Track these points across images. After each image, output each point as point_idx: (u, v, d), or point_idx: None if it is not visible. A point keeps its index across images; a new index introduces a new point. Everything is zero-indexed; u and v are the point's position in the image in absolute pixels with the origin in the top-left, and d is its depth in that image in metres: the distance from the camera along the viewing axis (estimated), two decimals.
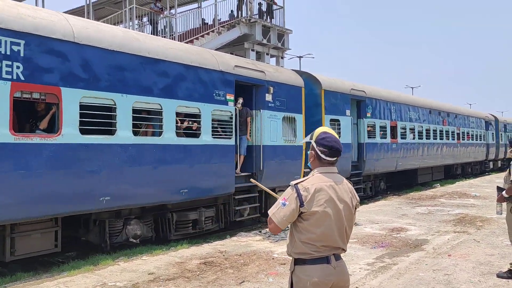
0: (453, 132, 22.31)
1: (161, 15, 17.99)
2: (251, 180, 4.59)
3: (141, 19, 18.87)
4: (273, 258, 6.97)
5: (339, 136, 9.96)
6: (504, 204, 6.29)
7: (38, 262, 7.17)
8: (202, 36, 17.60)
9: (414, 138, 17.67)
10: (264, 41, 19.43)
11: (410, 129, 17.51)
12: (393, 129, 16.32)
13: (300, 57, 38.58)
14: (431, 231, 9.19)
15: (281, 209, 2.78)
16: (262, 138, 10.18)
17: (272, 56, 20.48)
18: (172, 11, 20.51)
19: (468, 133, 24.48)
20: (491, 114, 30.33)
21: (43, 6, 16.26)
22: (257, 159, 10.16)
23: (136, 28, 17.75)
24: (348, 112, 13.57)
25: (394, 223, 10.07)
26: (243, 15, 19.29)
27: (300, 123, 11.35)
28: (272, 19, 20.28)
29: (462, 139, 23.50)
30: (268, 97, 10.38)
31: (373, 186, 15.78)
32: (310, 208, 2.73)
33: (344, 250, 2.89)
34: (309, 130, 10.32)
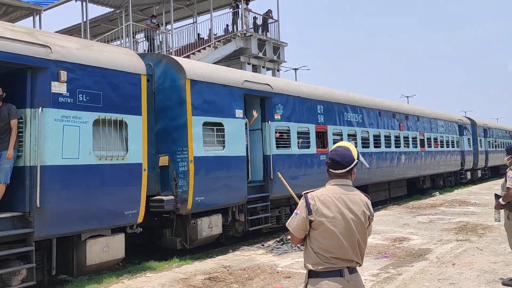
0: (414, 138, 18.31)
1: (158, 31, 18.11)
2: (278, 174, 4.52)
3: (134, 36, 18.99)
4: (277, 272, 6.95)
5: (223, 147, 8.99)
6: (502, 211, 6.34)
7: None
8: (199, 51, 17.73)
9: (356, 147, 15.25)
10: (260, 55, 19.61)
11: (350, 135, 13.61)
12: (322, 135, 12.42)
13: (295, 69, 38.85)
14: (434, 240, 9.20)
15: (294, 218, 2.91)
16: (41, 154, 6.06)
17: (268, 69, 20.65)
18: (168, 26, 20.67)
19: (436, 139, 20.53)
20: (467, 117, 26.99)
21: (40, 27, 16.34)
22: (32, 190, 5.99)
23: (133, 45, 17.85)
24: (239, 112, 9.54)
25: (396, 233, 10.07)
26: (239, 29, 19.47)
27: (137, 129, 7.38)
28: (268, 33, 20.48)
29: (428, 147, 19.51)
30: (58, 87, 6.34)
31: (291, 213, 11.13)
32: (318, 218, 2.81)
33: (359, 264, 2.87)
34: (163, 138, 8.57)
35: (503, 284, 6.00)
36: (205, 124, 8.76)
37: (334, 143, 12.27)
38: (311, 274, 2.83)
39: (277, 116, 10.71)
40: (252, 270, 7.12)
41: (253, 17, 20.18)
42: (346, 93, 14.61)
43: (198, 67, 9.24)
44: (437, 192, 19.46)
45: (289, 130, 11.10)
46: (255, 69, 19.61)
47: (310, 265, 2.83)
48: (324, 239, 2.79)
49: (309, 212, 2.82)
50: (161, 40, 18.41)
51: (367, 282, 6.32)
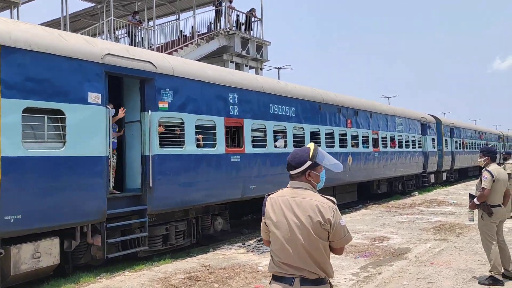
0: (366, 137, 16.00)
1: (139, 27, 17.89)
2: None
3: (114, 32, 18.72)
4: (258, 271, 6.93)
5: (64, 144, 6.48)
6: (476, 211, 6.46)
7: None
8: (181, 48, 17.58)
9: (286, 146, 11.49)
10: (243, 53, 19.55)
11: (277, 132, 11.41)
12: (236, 131, 10.17)
13: (278, 68, 38.91)
14: (413, 239, 9.30)
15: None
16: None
17: (251, 67, 20.60)
18: (150, 23, 20.44)
19: (393, 138, 18.22)
20: (431, 115, 24.22)
21: (18, 19, 15.97)
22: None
23: (113, 41, 17.58)
24: (95, 97, 7.03)
25: (376, 232, 10.16)
26: (222, 27, 19.38)
27: None
28: (251, 31, 20.44)
29: (384, 147, 17.16)
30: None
31: (187, 233, 8.99)
32: (267, 220, 2.77)
33: (317, 276, 2.63)
34: None
35: (479, 283, 6.10)
36: (28, 111, 6.18)
37: (255, 141, 10.56)
38: (272, 277, 2.78)
39: (162, 105, 8.17)
40: (232, 269, 7.09)
41: (236, 15, 20.11)
42: (276, 81, 12.59)
43: (20, 29, 6.39)
44: (417, 192, 19.74)
45: (183, 124, 8.59)
46: (238, 67, 19.55)
47: (269, 267, 2.82)
48: (273, 242, 2.75)
49: (263, 214, 2.80)
50: (143, 36, 18.19)
51: (347, 281, 6.35)
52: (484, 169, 6.39)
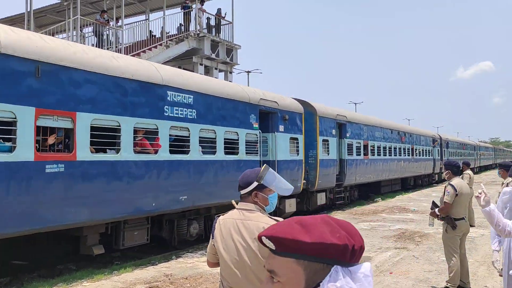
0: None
1: (107, 27, 17.53)
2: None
3: (82, 30, 18.29)
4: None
5: None
6: (436, 220, 6.67)
7: None
8: (150, 49, 17.36)
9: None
10: (213, 56, 19.48)
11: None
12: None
13: (248, 72, 38.93)
14: (374, 247, 9.49)
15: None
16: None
17: (220, 70, 20.55)
18: (119, 22, 20.07)
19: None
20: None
21: None
22: None
23: (80, 39, 17.18)
24: None
25: None
26: (192, 29, 19.24)
27: None
28: (219, 34, 20.36)
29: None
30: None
31: None
32: (215, 243, 2.69)
33: None
34: None
35: None
36: None
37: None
38: None
39: None
40: (194, 279, 7.03)
41: (207, 18, 20.01)
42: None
43: None
44: (380, 198, 20.15)
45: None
46: (207, 70, 19.47)
47: None
48: (221, 266, 2.68)
49: (212, 236, 2.74)
50: (111, 36, 17.83)
51: None
52: (448, 182, 6.58)
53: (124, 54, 15.74)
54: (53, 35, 15.72)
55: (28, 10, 18.23)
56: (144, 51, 16.95)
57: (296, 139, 13.37)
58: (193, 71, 16.89)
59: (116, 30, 18.25)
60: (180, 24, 19.98)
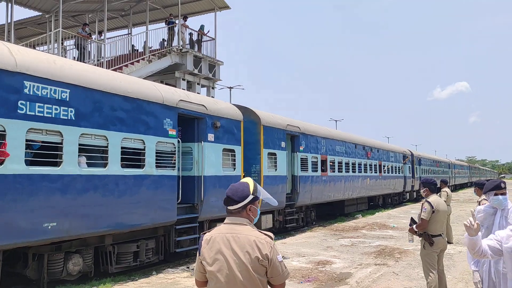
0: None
1: (89, 40, 17.45)
2: None
3: (62, 43, 18.15)
4: None
5: None
6: (415, 236, 6.78)
7: None
8: (132, 63, 17.32)
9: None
10: (195, 71, 19.55)
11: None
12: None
13: (230, 88, 39.10)
14: (354, 264, 9.54)
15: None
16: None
17: (203, 86, 20.61)
18: (101, 36, 20.00)
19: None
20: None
21: None
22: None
23: (61, 52, 17.03)
24: None
25: (320, 256, 10.33)
26: (175, 45, 19.31)
27: None
28: (202, 50, 20.47)
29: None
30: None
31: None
32: (203, 260, 2.66)
33: None
34: None
35: None
36: None
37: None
38: None
39: None
40: None
41: (189, 33, 20.13)
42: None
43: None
44: (360, 215, 20.32)
45: None
46: (190, 85, 19.51)
47: None
48: (211, 282, 2.65)
49: (199, 253, 2.69)
50: (93, 50, 17.72)
51: None
52: (425, 200, 6.70)
53: (106, 68, 15.67)
54: (33, 48, 15.56)
55: (9, 21, 18.03)
56: (126, 65, 16.89)
57: (233, 150, 11.25)
58: (175, 86, 16.90)
59: (98, 43, 18.16)
60: (163, 39, 20.04)
